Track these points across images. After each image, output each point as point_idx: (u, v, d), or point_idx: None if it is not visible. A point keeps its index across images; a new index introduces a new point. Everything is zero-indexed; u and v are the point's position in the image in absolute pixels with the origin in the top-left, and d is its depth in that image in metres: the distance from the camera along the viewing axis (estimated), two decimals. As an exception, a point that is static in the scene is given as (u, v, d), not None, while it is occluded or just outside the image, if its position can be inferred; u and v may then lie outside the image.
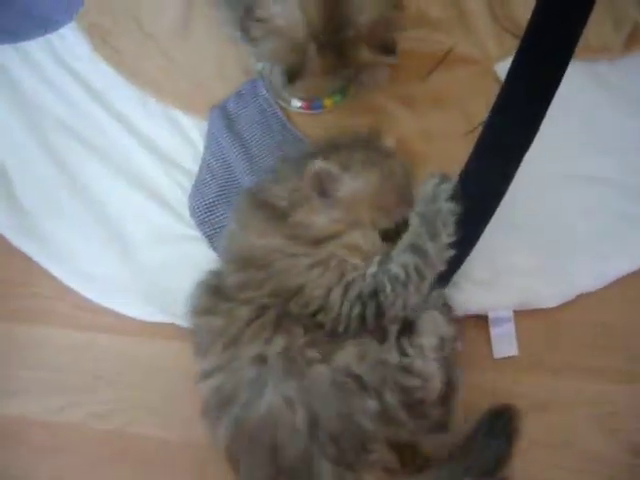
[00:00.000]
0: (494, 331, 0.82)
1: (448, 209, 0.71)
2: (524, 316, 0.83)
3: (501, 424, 0.72)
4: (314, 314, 0.70)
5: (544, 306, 0.84)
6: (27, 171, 1.00)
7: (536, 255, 0.85)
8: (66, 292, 0.91)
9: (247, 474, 0.70)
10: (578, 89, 0.97)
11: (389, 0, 0.87)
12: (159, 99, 1.03)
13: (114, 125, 1.02)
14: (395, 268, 0.70)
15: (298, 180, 0.73)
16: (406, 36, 0.94)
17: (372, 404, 0.66)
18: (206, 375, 0.71)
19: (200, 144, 0.99)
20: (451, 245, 0.71)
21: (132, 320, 0.89)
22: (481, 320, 0.83)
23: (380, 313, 0.70)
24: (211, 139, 0.98)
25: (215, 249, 0.90)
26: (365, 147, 0.77)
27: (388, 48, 0.86)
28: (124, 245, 0.93)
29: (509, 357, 0.82)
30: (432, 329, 0.71)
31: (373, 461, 0.67)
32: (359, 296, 0.69)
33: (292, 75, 0.85)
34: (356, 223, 0.73)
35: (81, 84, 1.05)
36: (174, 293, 0.86)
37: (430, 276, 0.71)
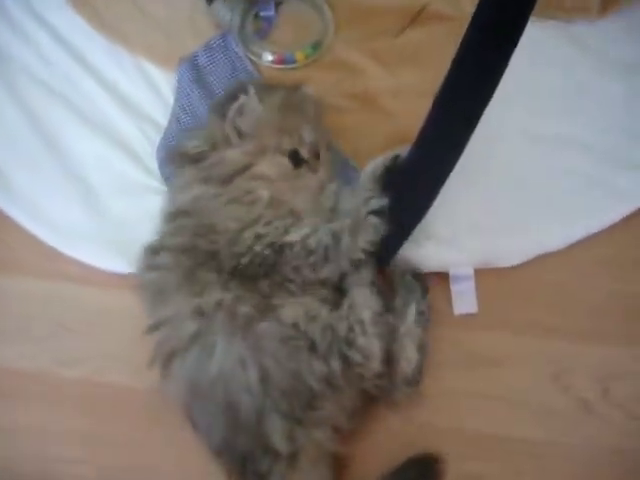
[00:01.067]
0: (454, 288, 0.83)
1: (372, 223, 0.74)
2: (485, 274, 0.84)
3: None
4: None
5: (505, 265, 0.85)
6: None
7: (499, 214, 0.86)
8: (32, 241, 0.91)
9: (205, 431, 0.71)
10: (552, 49, 0.96)
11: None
12: (130, 51, 1.02)
13: (85, 77, 1.01)
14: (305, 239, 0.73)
15: (220, 122, 0.78)
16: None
17: (319, 366, 0.68)
18: (150, 329, 0.73)
19: (170, 97, 0.99)
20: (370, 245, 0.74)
21: (98, 270, 0.89)
22: (442, 277, 0.84)
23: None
24: (180, 92, 0.97)
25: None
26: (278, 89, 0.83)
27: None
28: (91, 196, 0.93)
29: (469, 314, 0.83)
30: (364, 303, 0.73)
31: (322, 418, 0.69)
32: (271, 244, 0.73)
33: None
34: (263, 151, 0.77)
35: (53, 35, 1.04)
36: (139, 244, 0.88)
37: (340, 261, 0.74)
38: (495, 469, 0.76)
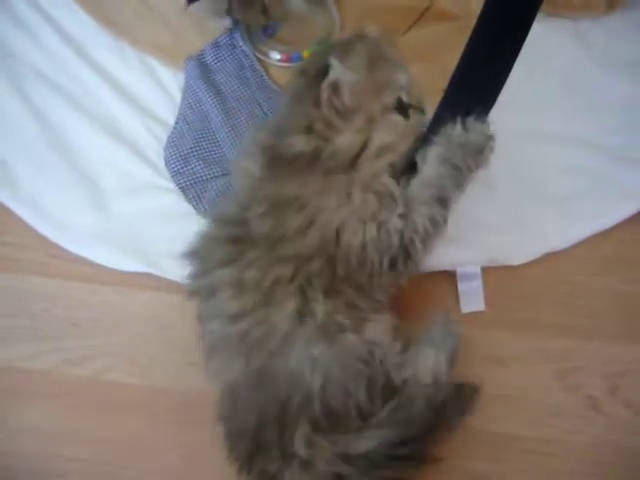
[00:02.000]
0: (462, 286, 0.83)
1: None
2: (492, 272, 0.84)
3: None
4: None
5: (512, 263, 0.85)
6: (4, 124, 0.98)
7: (506, 213, 0.86)
8: (40, 241, 0.91)
9: (237, 411, 0.70)
10: (558, 47, 0.96)
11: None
12: (137, 49, 1.02)
13: (90, 74, 1.01)
14: (421, 221, 0.70)
15: (312, 110, 0.70)
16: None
17: (364, 400, 0.66)
18: (233, 319, 0.68)
19: (177, 95, 0.99)
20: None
21: (105, 269, 0.89)
22: (450, 275, 0.84)
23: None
24: (188, 91, 0.97)
25: (189, 200, 0.90)
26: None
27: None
28: (98, 194, 0.93)
29: (476, 312, 0.83)
30: (431, 369, 0.71)
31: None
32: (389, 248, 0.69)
33: None
34: (372, 119, 0.71)
35: (58, 31, 1.04)
36: (147, 243, 0.89)
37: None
38: (502, 468, 0.76)
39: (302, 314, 0.66)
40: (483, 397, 0.77)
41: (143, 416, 0.82)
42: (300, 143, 0.70)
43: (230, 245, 0.70)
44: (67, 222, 0.91)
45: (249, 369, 0.67)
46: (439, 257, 0.83)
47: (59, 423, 0.82)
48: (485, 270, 0.84)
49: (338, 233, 0.68)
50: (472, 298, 0.83)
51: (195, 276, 0.73)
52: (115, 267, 0.89)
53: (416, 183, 0.71)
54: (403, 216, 0.69)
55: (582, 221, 0.87)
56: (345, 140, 0.70)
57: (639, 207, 0.87)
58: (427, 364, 0.71)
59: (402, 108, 0.73)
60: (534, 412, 0.79)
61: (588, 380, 0.80)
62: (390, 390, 0.68)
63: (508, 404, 0.79)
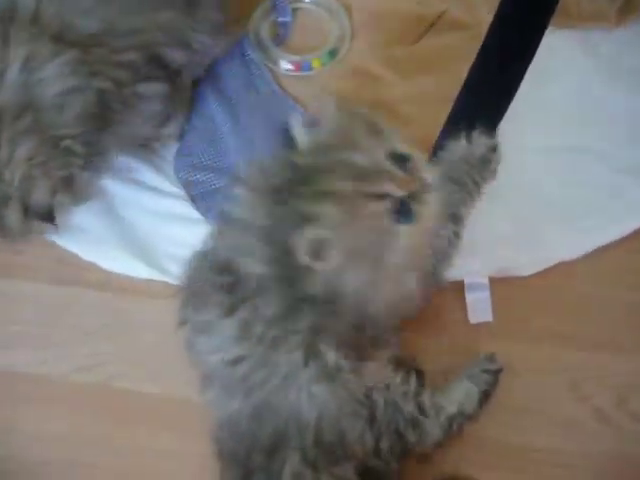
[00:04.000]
0: (470, 297, 0.83)
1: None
2: (501, 283, 0.84)
3: None
4: None
5: (521, 274, 0.85)
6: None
7: (515, 223, 0.86)
8: (48, 246, 0.91)
9: (233, 436, 0.69)
10: (568, 58, 0.96)
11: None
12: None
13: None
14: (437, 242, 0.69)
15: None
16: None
17: (369, 441, 0.65)
18: (234, 362, 0.65)
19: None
20: None
21: (117, 276, 0.89)
22: (458, 285, 0.84)
23: None
24: (197, 99, 0.97)
25: (199, 210, 0.91)
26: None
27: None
28: (109, 200, 0.93)
29: (484, 323, 0.83)
30: (461, 400, 0.72)
31: (339, 474, 0.66)
32: None
33: None
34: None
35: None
36: (157, 249, 0.90)
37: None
38: (513, 478, 0.76)
39: (308, 359, 0.62)
40: (493, 407, 0.78)
41: (154, 424, 0.82)
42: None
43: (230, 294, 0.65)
44: (77, 228, 0.92)
45: (247, 404, 0.66)
46: (448, 267, 0.83)
47: (68, 429, 0.82)
48: (493, 281, 0.84)
49: None
50: (480, 309, 0.83)
51: (192, 310, 0.69)
52: (125, 273, 0.89)
53: None
54: None
55: (591, 232, 0.86)
56: None
57: (648, 218, 0.87)
58: (456, 395, 0.72)
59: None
60: (545, 423, 0.79)
61: (598, 392, 0.80)
62: (403, 423, 0.67)
63: (518, 414, 0.79)
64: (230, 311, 0.64)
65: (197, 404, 0.76)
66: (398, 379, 0.68)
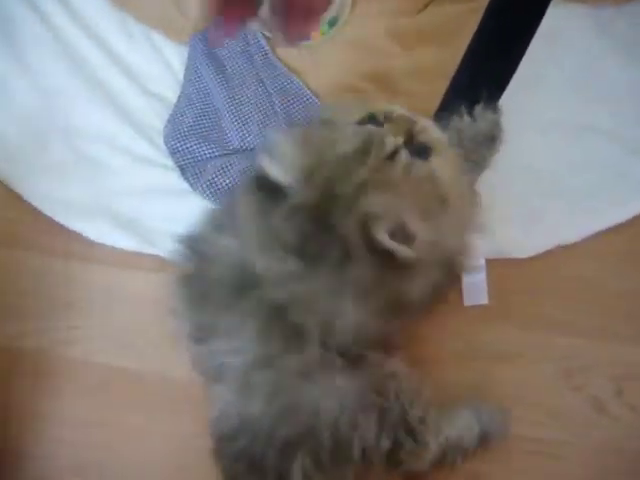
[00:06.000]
0: (465, 278, 0.80)
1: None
2: (497, 265, 0.81)
3: None
4: None
5: (519, 256, 0.82)
6: (3, 96, 0.96)
7: (514, 204, 0.83)
8: (35, 216, 0.89)
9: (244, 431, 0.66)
10: (579, 34, 0.92)
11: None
12: (140, 21, 0.98)
13: (93, 48, 0.97)
14: None
15: None
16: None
17: (370, 437, 0.64)
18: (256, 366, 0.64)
19: (181, 72, 0.96)
20: None
21: (102, 247, 0.87)
22: (453, 266, 0.81)
23: None
24: (190, 67, 0.95)
25: (187, 179, 0.88)
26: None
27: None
28: (96, 170, 0.91)
29: (479, 305, 0.80)
30: (464, 427, 0.70)
31: (342, 475, 0.65)
32: None
33: None
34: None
35: (62, 4, 1.00)
36: (145, 221, 0.87)
37: None
38: (503, 468, 0.74)
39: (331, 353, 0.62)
40: (485, 395, 0.76)
41: (135, 401, 0.80)
42: None
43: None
44: (63, 197, 0.89)
45: (269, 406, 0.64)
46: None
47: (45, 404, 0.81)
48: (490, 263, 0.81)
49: None
50: (476, 291, 0.80)
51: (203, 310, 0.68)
52: (112, 244, 0.87)
53: None
54: None
55: (594, 214, 0.83)
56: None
57: (657, 200, 0.84)
58: (458, 423, 0.70)
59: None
60: (539, 412, 0.77)
61: (594, 381, 0.78)
62: (404, 426, 0.66)
63: (511, 402, 0.76)
64: (249, 313, 0.63)
65: (184, 382, 0.74)
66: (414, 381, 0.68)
